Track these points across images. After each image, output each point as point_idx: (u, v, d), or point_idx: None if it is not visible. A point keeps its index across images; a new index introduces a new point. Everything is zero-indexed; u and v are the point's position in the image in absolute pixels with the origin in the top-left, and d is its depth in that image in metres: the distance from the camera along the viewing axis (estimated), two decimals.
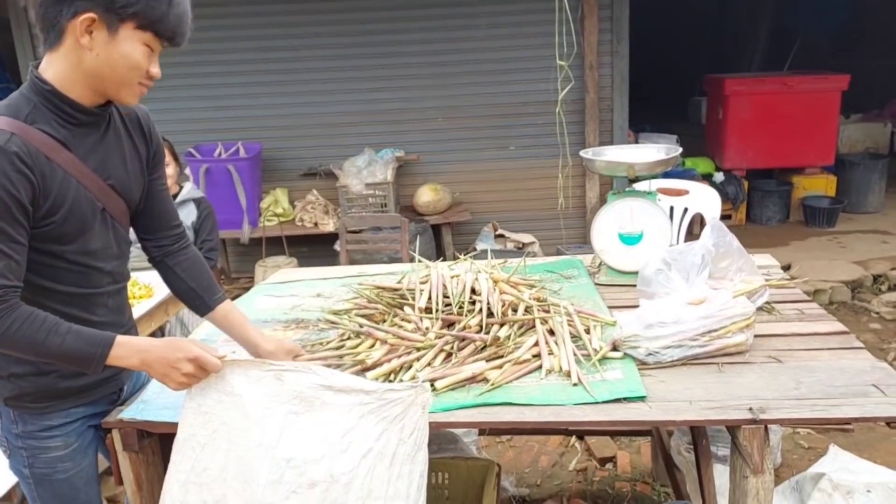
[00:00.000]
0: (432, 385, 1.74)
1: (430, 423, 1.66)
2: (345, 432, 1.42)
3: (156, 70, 1.49)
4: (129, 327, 1.81)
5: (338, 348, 2.03)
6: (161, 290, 3.10)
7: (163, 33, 1.45)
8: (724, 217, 6.26)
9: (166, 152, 3.65)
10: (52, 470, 1.66)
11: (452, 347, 1.87)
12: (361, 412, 1.43)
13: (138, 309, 2.90)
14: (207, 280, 1.83)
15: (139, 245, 1.83)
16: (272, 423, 1.44)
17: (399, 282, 2.28)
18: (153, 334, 3.13)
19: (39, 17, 1.43)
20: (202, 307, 1.82)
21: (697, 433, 2.32)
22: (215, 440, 1.49)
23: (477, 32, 5.48)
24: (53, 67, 1.46)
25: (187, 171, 5.00)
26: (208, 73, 5.41)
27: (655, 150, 2.61)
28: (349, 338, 2.07)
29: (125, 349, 1.48)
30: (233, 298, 3.55)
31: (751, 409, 1.59)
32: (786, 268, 5.20)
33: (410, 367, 1.83)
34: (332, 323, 2.19)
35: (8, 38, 5.58)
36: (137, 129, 1.68)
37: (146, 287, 3.09)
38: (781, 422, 1.60)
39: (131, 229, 1.76)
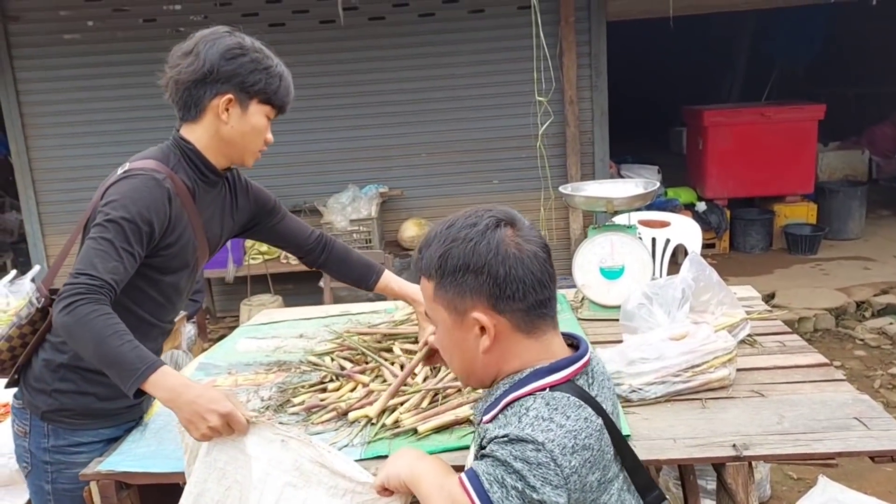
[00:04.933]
0: (415, 430, 1.72)
1: None
2: None
3: (271, 136, 1.79)
4: None
5: (320, 391, 2.02)
6: None
7: (277, 103, 1.75)
8: (708, 246, 6.31)
9: None
10: (75, 486, 1.72)
11: (437, 392, 1.86)
12: (353, 501, 1.38)
13: None
14: (359, 270, 2.12)
15: None
16: (270, 492, 1.41)
17: (376, 326, 2.27)
18: None
19: (181, 98, 1.70)
20: (367, 288, 2.14)
21: (685, 469, 2.30)
22: (228, 498, 1.46)
23: (458, 70, 5.55)
24: (193, 135, 1.74)
25: None
26: None
27: (634, 185, 2.63)
28: (331, 380, 2.06)
29: (164, 379, 1.48)
30: (218, 339, 3.53)
31: (734, 445, 1.59)
32: (770, 296, 5.23)
33: (394, 409, 1.82)
34: (315, 365, 2.18)
35: None
36: (242, 193, 1.95)
37: None
38: (765, 458, 1.60)
39: None
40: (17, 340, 1.75)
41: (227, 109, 1.69)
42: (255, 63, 1.68)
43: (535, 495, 1.05)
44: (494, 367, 1.22)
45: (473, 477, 1.10)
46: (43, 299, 1.74)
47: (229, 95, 1.68)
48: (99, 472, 1.67)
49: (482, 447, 1.15)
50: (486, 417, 1.20)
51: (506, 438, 1.09)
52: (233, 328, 4.63)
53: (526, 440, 1.07)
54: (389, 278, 2.13)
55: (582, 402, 1.13)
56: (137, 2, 5.36)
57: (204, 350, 3.65)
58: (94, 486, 1.68)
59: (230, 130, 1.72)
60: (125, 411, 1.83)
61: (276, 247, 2.16)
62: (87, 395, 1.74)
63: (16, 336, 1.74)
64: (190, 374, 2.26)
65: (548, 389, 1.15)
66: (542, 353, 1.20)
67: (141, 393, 1.49)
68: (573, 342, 1.27)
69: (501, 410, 1.17)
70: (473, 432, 1.34)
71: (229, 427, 1.45)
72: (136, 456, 1.72)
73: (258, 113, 1.72)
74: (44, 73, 5.43)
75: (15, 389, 1.81)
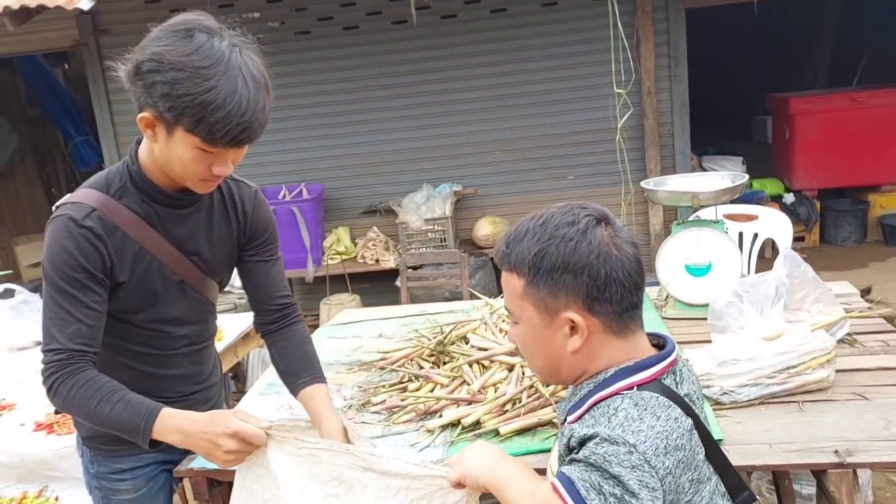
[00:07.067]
0: (497, 432, 1.71)
1: None
2: None
3: (219, 170, 1.44)
4: (211, 385, 1.83)
5: (400, 391, 2.03)
6: (230, 334, 3.16)
7: (208, 138, 1.36)
8: (797, 239, 6.04)
9: None
10: None
11: (519, 397, 1.83)
12: (408, 498, 1.31)
13: None
14: (298, 363, 1.70)
15: None
16: None
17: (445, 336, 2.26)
18: (223, 376, 3.19)
19: None
20: (291, 389, 1.70)
21: (779, 474, 2.21)
22: None
23: (531, 64, 5.48)
24: (145, 149, 1.52)
25: None
26: (272, 119, 5.55)
27: (720, 178, 2.53)
28: (410, 380, 2.07)
29: (166, 423, 1.42)
30: None
31: (836, 451, 1.51)
32: (866, 291, 4.95)
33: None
34: (392, 366, 2.19)
35: (87, 93, 5.88)
36: (233, 209, 1.67)
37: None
38: (871, 465, 1.52)
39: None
40: None
41: (150, 128, 1.41)
42: (171, 86, 1.32)
43: (634, 501, 1.01)
44: (581, 366, 1.18)
45: (568, 483, 1.05)
46: None
47: (146, 114, 1.38)
48: (192, 469, 1.72)
49: (570, 448, 1.12)
50: (570, 417, 1.17)
51: (597, 439, 1.06)
52: (313, 326, 4.72)
53: (617, 442, 1.04)
54: (318, 391, 1.65)
55: (670, 402, 1.10)
56: (219, 11, 5.54)
57: None
58: (187, 483, 1.73)
59: (160, 152, 1.45)
60: None
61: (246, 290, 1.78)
62: None
63: None
64: (275, 374, 2.30)
65: (635, 388, 1.13)
66: (629, 353, 1.17)
67: (157, 443, 1.44)
68: (658, 342, 1.24)
69: (587, 411, 1.14)
70: (556, 434, 1.29)
71: (248, 444, 1.39)
72: None
73: (183, 142, 1.38)
74: None
75: None
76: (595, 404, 1.13)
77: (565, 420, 1.20)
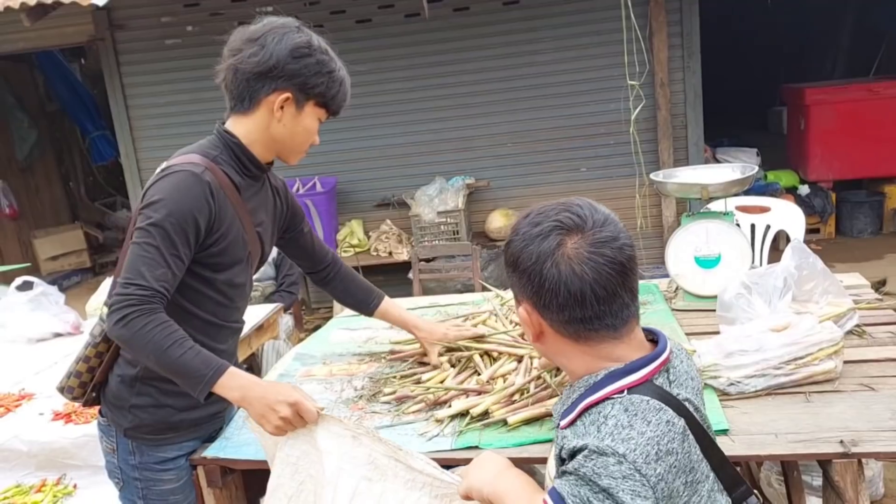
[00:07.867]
0: (505, 422, 1.73)
1: None
2: None
3: (318, 139, 1.76)
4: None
5: (411, 380, 2.05)
6: (245, 325, 3.19)
7: (332, 108, 1.72)
8: (812, 231, 6.01)
9: None
10: (164, 502, 1.76)
11: (527, 387, 1.85)
12: (432, 493, 1.39)
13: None
14: (362, 293, 2.17)
15: None
16: (345, 486, 1.43)
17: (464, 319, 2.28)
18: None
19: (237, 87, 1.66)
20: (366, 313, 2.18)
21: (788, 465, 2.21)
22: (302, 492, 1.50)
23: (543, 56, 5.47)
24: (241, 127, 1.70)
25: None
26: None
27: (730, 170, 2.53)
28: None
29: (232, 379, 1.54)
30: (313, 329, 3.64)
31: (842, 441, 1.51)
32: (881, 283, 4.92)
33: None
34: (400, 356, 2.22)
35: (103, 88, 5.94)
36: (279, 193, 1.93)
37: None
38: (876, 456, 1.52)
39: None
40: (95, 360, 1.74)
41: (281, 108, 1.65)
42: (321, 65, 1.65)
43: None
44: (558, 362, 1.22)
45: (559, 500, 1.07)
46: None
47: (287, 94, 1.64)
48: (205, 457, 1.76)
49: (562, 458, 1.13)
50: (563, 422, 1.17)
51: (586, 451, 1.06)
52: (326, 318, 4.77)
53: (606, 453, 1.04)
54: (389, 304, 2.18)
55: (662, 405, 1.09)
56: (232, 6, 5.57)
57: (301, 339, 3.79)
58: (200, 470, 1.77)
59: (281, 128, 1.68)
60: (208, 420, 1.81)
61: (294, 260, 2.14)
62: (164, 408, 1.71)
63: (93, 356, 1.74)
64: (287, 364, 2.35)
65: (625, 392, 1.11)
66: (602, 361, 1.16)
67: (210, 395, 1.54)
68: (652, 337, 1.23)
69: (579, 416, 1.14)
70: (553, 431, 1.31)
71: (300, 417, 1.49)
72: (239, 443, 1.80)
73: (312, 115, 1.69)
74: (148, 78, 5.72)
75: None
76: (586, 409, 1.13)
77: (559, 424, 1.20)
